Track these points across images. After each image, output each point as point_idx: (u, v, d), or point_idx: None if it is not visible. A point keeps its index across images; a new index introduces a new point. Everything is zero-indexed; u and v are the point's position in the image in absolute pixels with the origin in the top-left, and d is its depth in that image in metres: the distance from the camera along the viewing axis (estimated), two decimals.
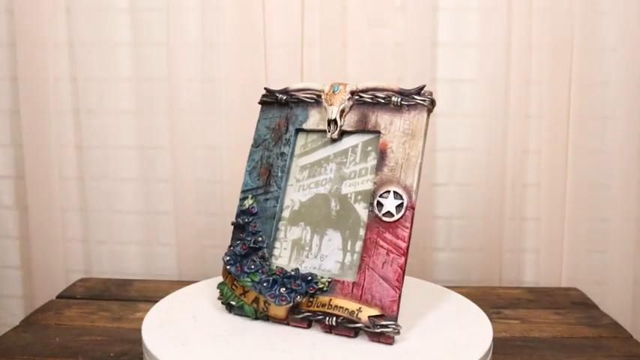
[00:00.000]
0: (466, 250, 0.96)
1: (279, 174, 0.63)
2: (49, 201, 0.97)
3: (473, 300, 0.67)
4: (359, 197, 0.60)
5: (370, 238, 0.57)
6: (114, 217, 0.99)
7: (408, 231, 0.56)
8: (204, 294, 0.67)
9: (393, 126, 0.60)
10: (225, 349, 0.54)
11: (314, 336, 0.56)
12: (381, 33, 0.91)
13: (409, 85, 0.62)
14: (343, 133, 0.62)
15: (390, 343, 0.54)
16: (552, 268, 0.95)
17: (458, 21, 0.92)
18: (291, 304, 0.57)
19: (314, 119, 0.63)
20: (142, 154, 0.98)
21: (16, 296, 1.04)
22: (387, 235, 0.56)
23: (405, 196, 0.57)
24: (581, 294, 0.88)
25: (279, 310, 0.58)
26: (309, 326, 0.58)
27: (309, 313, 0.57)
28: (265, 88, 0.67)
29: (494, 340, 0.58)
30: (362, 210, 0.60)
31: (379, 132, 0.60)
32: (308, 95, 0.64)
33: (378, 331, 0.54)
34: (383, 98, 0.60)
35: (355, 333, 0.56)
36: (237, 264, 0.61)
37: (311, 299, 0.57)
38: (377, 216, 0.57)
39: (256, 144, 0.66)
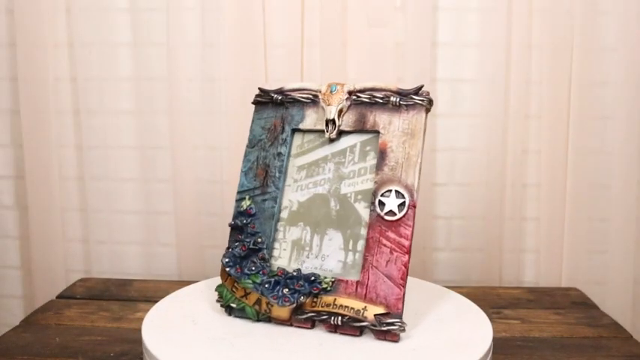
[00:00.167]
0: (466, 250, 0.96)
1: (277, 174, 0.63)
2: (49, 201, 0.97)
3: (473, 300, 0.67)
4: (359, 197, 0.61)
5: (373, 237, 0.57)
6: (114, 217, 0.99)
7: (410, 229, 0.56)
8: (204, 294, 0.67)
9: (392, 126, 0.60)
10: (229, 352, 0.53)
11: (319, 336, 0.56)
12: (381, 33, 0.91)
13: (409, 85, 0.62)
14: (341, 133, 0.62)
15: (396, 341, 0.55)
16: (552, 268, 0.95)
17: (458, 21, 0.92)
18: (294, 304, 0.57)
19: (311, 119, 0.63)
20: (142, 154, 0.98)
21: (16, 296, 1.04)
22: (390, 234, 0.57)
23: (406, 195, 0.57)
24: (581, 294, 0.88)
25: (283, 311, 0.58)
26: (312, 326, 0.58)
27: (313, 314, 0.57)
28: (259, 88, 0.66)
29: (494, 340, 0.58)
30: (362, 209, 0.60)
31: (378, 132, 0.61)
32: (304, 95, 0.64)
33: (385, 329, 0.54)
34: (381, 98, 0.61)
35: (360, 332, 0.56)
36: (237, 266, 0.60)
37: (315, 299, 0.57)
38: (379, 215, 0.58)
39: (251, 144, 0.65)
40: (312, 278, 0.58)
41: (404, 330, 0.54)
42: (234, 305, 0.60)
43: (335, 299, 0.56)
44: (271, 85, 0.67)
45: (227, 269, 0.60)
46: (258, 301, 0.59)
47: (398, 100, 0.60)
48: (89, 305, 0.82)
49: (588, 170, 0.93)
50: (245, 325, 0.59)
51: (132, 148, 0.98)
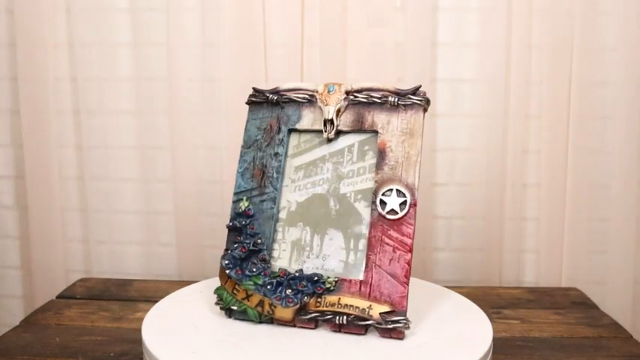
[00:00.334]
0: (466, 250, 0.96)
1: (274, 175, 0.63)
2: (49, 201, 0.97)
3: (473, 300, 0.67)
4: (359, 196, 0.61)
5: (375, 236, 0.58)
6: (114, 217, 0.99)
7: (412, 228, 0.57)
8: (204, 294, 0.67)
9: (390, 125, 0.60)
10: (236, 354, 0.53)
11: (323, 336, 0.56)
12: (381, 33, 0.91)
13: (410, 85, 0.62)
14: (339, 133, 0.63)
15: (401, 338, 0.55)
16: (552, 268, 0.95)
17: (458, 21, 0.92)
18: (298, 305, 0.57)
19: (308, 119, 0.63)
20: (142, 154, 0.98)
21: (16, 296, 1.04)
22: (392, 233, 0.57)
23: (407, 194, 0.58)
24: (581, 294, 0.88)
25: (286, 312, 0.58)
26: (315, 327, 0.58)
27: (317, 314, 0.57)
28: (254, 88, 0.66)
29: (494, 340, 0.58)
30: (363, 209, 0.60)
31: (376, 131, 0.61)
32: (300, 95, 0.64)
33: (391, 326, 0.55)
34: (378, 98, 0.61)
35: (365, 330, 0.56)
36: (237, 267, 0.60)
37: (318, 299, 0.57)
38: (380, 214, 0.58)
39: (247, 145, 0.65)
40: (315, 278, 0.58)
41: (408, 327, 0.55)
42: (235, 307, 0.59)
43: (339, 299, 0.57)
44: (271, 85, 0.67)
45: (227, 271, 0.59)
46: (261, 303, 0.58)
47: (396, 100, 0.60)
48: (89, 305, 0.82)
49: (588, 170, 0.93)
50: (246, 326, 0.58)
51: (132, 148, 0.98)
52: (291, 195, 0.63)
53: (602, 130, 0.93)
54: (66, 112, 0.98)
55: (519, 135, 0.92)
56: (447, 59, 0.93)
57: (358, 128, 0.62)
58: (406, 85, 0.62)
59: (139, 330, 0.58)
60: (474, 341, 0.56)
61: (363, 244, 0.59)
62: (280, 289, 0.58)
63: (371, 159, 0.61)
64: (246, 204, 0.63)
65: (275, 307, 0.58)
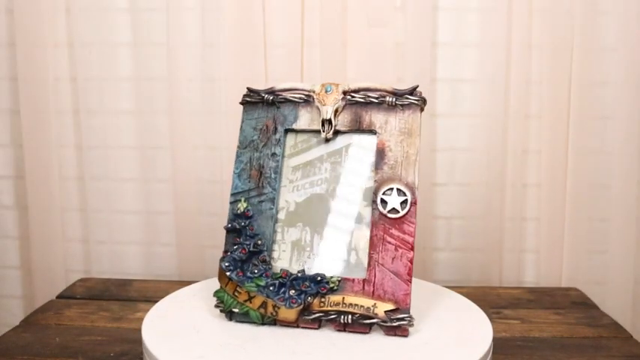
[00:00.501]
0: (466, 250, 0.96)
1: (272, 175, 0.63)
2: (49, 201, 0.97)
3: (473, 300, 0.67)
4: (359, 195, 0.61)
5: (376, 235, 0.58)
6: (114, 217, 0.99)
7: (413, 226, 0.58)
8: (204, 294, 0.67)
9: (388, 125, 0.61)
10: (241, 357, 0.52)
11: (328, 336, 0.56)
12: (381, 33, 0.91)
13: (410, 85, 0.63)
14: (336, 133, 0.63)
15: (406, 336, 0.56)
16: (552, 268, 0.95)
17: (458, 21, 0.92)
18: (302, 306, 0.57)
19: (304, 119, 0.63)
20: (142, 154, 0.98)
21: (16, 296, 1.04)
22: (394, 231, 0.58)
23: (408, 193, 0.59)
24: (581, 294, 0.88)
25: (290, 313, 0.57)
26: (319, 327, 0.58)
27: (321, 314, 0.57)
28: (248, 88, 0.66)
29: (494, 340, 0.58)
30: (363, 208, 0.61)
31: (373, 131, 0.61)
32: (297, 95, 0.64)
33: (396, 324, 0.56)
34: (376, 98, 0.62)
35: (369, 329, 0.57)
36: (238, 269, 0.59)
37: (322, 299, 0.57)
38: (382, 213, 0.59)
39: (243, 145, 0.64)
40: (319, 278, 0.58)
41: (413, 325, 0.56)
42: (236, 310, 0.59)
43: (343, 298, 0.57)
44: (271, 85, 0.67)
45: (227, 273, 0.59)
46: (264, 305, 0.58)
47: (394, 100, 0.61)
48: (89, 305, 0.82)
49: (588, 170, 0.93)
50: (249, 328, 0.58)
51: (132, 148, 0.98)
52: (290, 195, 0.63)
53: (602, 130, 0.93)
54: (66, 112, 0.98)
55: (519, 135, 0.92)
56: (447, 59, 0.93)
57: (356, 128, 0.62)
58: (406, 85, 0.62)
59: (139, 330, 0.58)
60: (474, 341, 0.56)
61: (364, 243, 0.60)
62: (283, 290, 0.58)
63: (369, 158, 0.61)
64: (245, 205, 0.62)
65: (278, 308, 0.58)
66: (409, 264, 0.57)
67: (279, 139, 0.63)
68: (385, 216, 0.59)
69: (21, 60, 0.94)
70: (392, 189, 0.59)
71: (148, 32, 0.94)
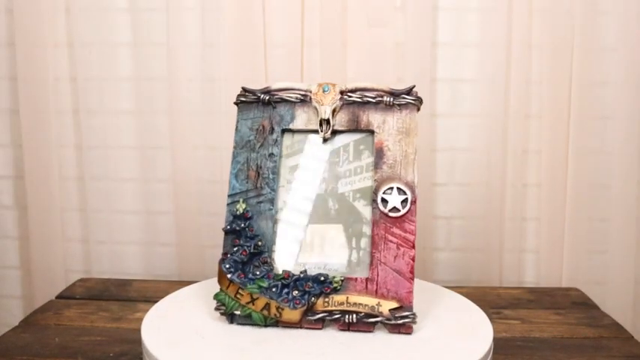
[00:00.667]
0: (466, 250, 0.96)
1: (270, 175, 0.62)
2: (49, 201, 0.97)
3: (473, 300, 0.67)
4: (357, 195, 0.61)
5: (378, 233, 0.59)
6: (114, 217, 0.99)
7: (414, 224, 0.59)
8: (204, 294, 0.67)
9: (386, 125, 0.62)
10: (241, 357, 0.52)
11: (334, 335, 0.57)
12: (381, 33, 0.91)
13: (410, 84, 0.63)
14: (334, 133, 0.63)
15: (410, 333, 0.57)
16: (552, 268, 0.95)
17: (458, 21, 0.92)
18: (306, 306, 0.57)
19: (302, 119, 0.63)
20: (142, 154, 0.98)
21: (16, 296, 1.04)
22: (395, 230, 0.58)
23: (408, 192, 0.59)
24: (581, 294, 0.88)
25: (293, 314, 0.57)
26: (322, 327, 0.58)
27: (325, 314, 0.57)
28: (243, 88, 0.65)
29: (495, 340, 0.57)
30: (362, 207, 0.61)
31: (370, 131, 0.62)
32: (293, 95, 0.64)
33: (400, 322, 0.56)
34: (373, 98, 0.62)
35: (373, 327, 0.57)
36: (239, 271, 0.59)
37: (326, 299, 0.57)
38: (382, 212, 0.59)
39: (239, 146, 0.64)
40: (322, 278, 0.58)
41: (416, 322, 0.56)
42: (238, 312, 0.58)
43: (347, 297, 0.57)
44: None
45: (229, 276, 0.58)
46: (267, 306, 0.58)
47: (391, 100, 0.62)
48: (89, 305, 0.81)
49: (588, 170, 0.93)
50: (251, 330, 0.58)
51: (132, 148, 0.98)
52: (288, 195, 0.63)
53: (602, 130, 0.93)
54: (66, 112, 0.97)
55: (519, 135, 0.92)
56: (447, 59, 0.93)
57: (354, 128, 0.62)
58: (406, 85, 0.62)
59: (139, 330, 0.58)
60: (474, 341, 0.56)
61: (365, 242, 0.60)
62: (286, 291, 0.58)
63: (367, 158, 0.62)
64: (244, 206, 0.62)
65: (282, 309, 0.57)
66: (411, 262, 0.58)
67: (277, 139, 0.63)
68: (386, 215, 0.59)
69: (21, 60, 0.94)
70: (392, 188, 0.59)
71: (148, 32, 0.94)
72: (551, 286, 0.93)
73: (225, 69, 0.93)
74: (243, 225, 0.61)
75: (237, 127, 0.65)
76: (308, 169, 0.63)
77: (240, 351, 0.53)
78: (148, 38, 0.94)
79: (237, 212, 0.61)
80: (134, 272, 1.00)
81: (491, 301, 0.84)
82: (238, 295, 0.59)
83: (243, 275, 0.59)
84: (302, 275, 0.59)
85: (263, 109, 0.64)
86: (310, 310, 0.57)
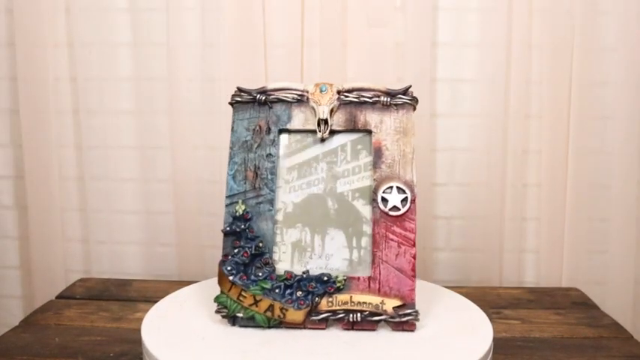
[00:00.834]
0: (466, 250, 0.96)
1: (269, 176, 0.62)
2: (49, 201, 0.97)
3: (473, 300, 0.67)
4: (357, 194, 0.62)
5: (379, 232, 0.59)
6: (114, 217, 0.99)
7: (414, 223, 0.59)
8: (204, 294, 0.67)
9: (383, 125, 0.62)
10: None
11: (339, 335, 0.57)
12: (381, 33, 0.91)
13: (410, 84, 0.63)
14: (331, 133, 0.63)
15: (413, 330, 0.57)
16: (552, 268, 0.95)
17: (458, 21, 0.92)
18: (310, 306, 0.57)
19: (299, 119, 0.63)
20: (142, 154, 0.97)
21: (16, 296, 1.04)
22: (396, 229, 0.59)
23: (407, 191, 0.60)
24: (581, 294, 0.88)
25: (298, 315, 0.57)
26: (326, 327, 0.58)
27: (329, 313, 0.57)
28: (238, 88, 0.65)
29: (495, 340, 0.58)
30: (362, 207, 0.61)
31: (368, 130, 0.62)
32: (289, 95, 0.64)
33: (404, 319, 0.57)
34: (369, 98, 0.62)
35: (377, 325, 0.58)
36: (241, 273, 0.59)
37: (330, 299, 0.58)
38: (383, 211, 0.60)
39: (236, 146, 0.63)
40: (325, 278, 0.58)
41: (418, 319, 0.57)
42: (240, 315, 0.58)
43: (351, 297, 0.58)
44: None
45: (230, 278, 0.58)
46: (271, 308, 0.58)
47: (388, 100, 0.62)
48: (89, 305, 0.81)
49: (588, 170, 0.93)
50: (258, 333, 0.57)
51: (132, 148, 0.98)
52: (287, 196, 0.63)
53: (602, 130, 0.92)
54: (66, 112, 0.97)
55: (519, 135, 0.92)
56: (447, 59, 0.93)
57: (351, 128, 0.63)
58: (407, 85, 0.63)
59: (139, 330, 0.58)
60: (474, 341, 0.56)
61: (365, 241, 0.60)
62: (289, 291, 0.58)
63: (365, 158, 0.62)
64: (244, 207, 0.61)
65: (286, 310, 0.57)
66: (412, 260, 0.58)
67: (274, 140, 0.63)
68: (386, 214, 0.59)
69: (21, 60, 0.94)
70: (391, 187, 0.60)
71: (148, 32, 0.94)
72: (551, 286, 0.93)
73: (225, 69, 0.93)
74: (243, 226, 0.60)
75: (233, 127, 0.64)
76: (306, 170, 0.63)
77: (244, 352, 0.53)
78: (148, 38, 0.94)
79: (237, 213, 0.61)
80: (134, 272, 1.00)
81: (491, 301, 0.84)
82: (241, 298, 0.58)
83: (245, 277, 0.59)
84: (305, 275, 0.59)
85: (259, 109, 0.64)
86: (314, 310, 0.58)
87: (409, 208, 0.59)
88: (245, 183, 0.62)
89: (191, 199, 0.96)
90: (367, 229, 0.61)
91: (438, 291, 0.70)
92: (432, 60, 0.92)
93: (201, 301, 0.65)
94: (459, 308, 0.65)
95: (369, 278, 0.58)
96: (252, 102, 0.64)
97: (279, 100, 0.64)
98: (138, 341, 0.58)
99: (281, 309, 0.57)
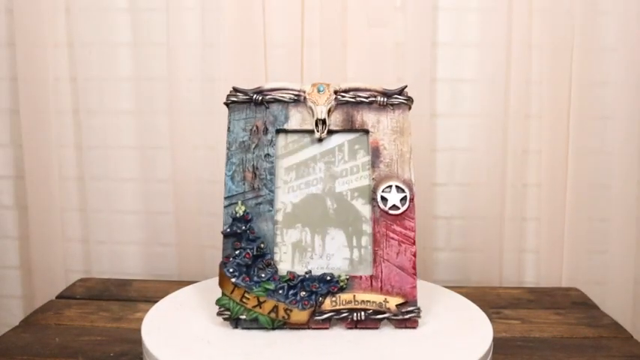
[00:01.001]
0: (466, 250, 0.96)
1: (268, 176, 0.62)
2: (49, 201, 0.97)
3: (473, 300, 0.67)
4: (356, 194, 0.62)
5: (379, 231, 0.60)
6: (114, 217, 0.99)
7: (414, 221, 0.60)
8: (204, 294, 0.67)
9: (380, 124, 0.63)
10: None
11: (343, 334, 0.57)
12: (381, 33, 0.91)
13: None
14: (329, 133, 0.63)
15: (415, 327, 0.58)
16: (552, 268, 0.95)
17: (458, 21, 0.92)
18: (314, 306, 0.57)
19: (296, 119, 0.63)
20: (142, 154, 0.97)
21: (16, 296, 1.04)
22: (396, 227, 0.60)
23: (406, 190, 0.60)
24: (581, 294, 0.88)
25: (302, 315, 0.57)
26: (329, 326, 0.58)
27: (332, 313, 0.58)
28: (234, 88, 0.65)
29: (495, 340, 0.58)
30: (361, 206, 0.61)
31: (364, 130, 0.63)
32: (286, 95, 0.64)
33: (407, 317, 0.58)
34: (366, 98, 0.63)
35: (379, 324, 0.58)
36: (244, 275, 0.58)
37: (333, 299, 0.58)
38: (383, 210, 0.60)
39: (233, 146, 0.63)
40: (328, 278, 0.58)
41: (420, 316, 0.58)
42: (243, 317, 0.58)
43: (354, 295, 0.58)
44: None
45: (233, 280, 0.58)
46: (275, 309, 0.58)
47: (385, 100, 0.63)
48: (89, 305, 0.81)
49: (588, 170, 0.93)
50: (262, 335, 0.57)
51: (132, 148, 0.98)
52: (286, 196, 0.63)
53: (602, 130, 0.92)
54: (66, 112, 0.97)
55: (519, 135, 0.92)
56: (447, 59, 0.93)
57: (349, 127, 0.63)
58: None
59: (139, 330, 0.58)
60: (474, 341, 0.56)
61: (365, 240, 0.61)
62: (293, 292, 0.58)
63: (362, 157, 0.63)
64: (244, 208, 0.61)
65: (291, 311, 0.57)
66: (413, 258, 0.59)
67: (272, 140, 0.63)
68: (386, 213, 0.60)
69: (21, 60, 0.94)
70: (390, 186, 0.61)
71: (148, 32, 0.94)
72: (551, 286, 0.93)
73: (225, 69, 0.93)
74: (244, 227, 0.60)
75: (229, 127, 0.63)
76: (304, 170, 0.63)
77: (247, 355, 0.53)
78: (148, 38, 0.94)
79: (237, 214, 0.60)
80: (134, 272, 1.00)
81: (491, 301, 0.84)
82: (244, 300, 0.58)
83: (248, 278, 0.58)
84: (307, 276, 0.59)
85: (255, 110, 0.64)
86: (317, 310, 0.58)
87: (408, 206, 0.60)
88: (244, 184, 0.62)
89: (191, 199, 0.96)
90: (367, 228, 0.61)
91: (437, 291, 0.70)
92: (432, 60, 0.92)
93: (202, 301, 0.65)
94: (459, 308, 0.65)
95: (371, 277, 0.59)
96: (249, 102, 0.64)
97: (276, 100, 0.64)
98: (138, 341, 0.58)
99: (285, 310, 0.57)
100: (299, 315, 0.57)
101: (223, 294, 0.58)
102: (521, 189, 0.94)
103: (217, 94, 0.94)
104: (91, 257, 1.00)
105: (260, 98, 0.64)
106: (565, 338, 0.72)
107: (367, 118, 0.63)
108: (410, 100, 0.64)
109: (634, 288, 0.93)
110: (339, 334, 0.57)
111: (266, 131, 0.63)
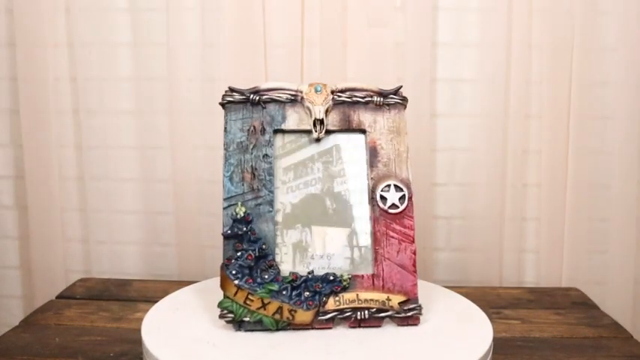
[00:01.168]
0: (466, 250, 0.96)
1: (267, 177, 0.62)
2: (49, 201, 0.97)
3: (473, 300, 0.67)
4: (354, 193, 0.62)
5: (379, 230, 0.60)
6: (114, 217, 0.99)
7: (413, 220, 0.61)
8: (204, 294, 0.67)
9: (377, 124, 0.63)
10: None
11: (347, 333, 0.57)
12: (381, 33, 0.91)
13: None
14: (326, 132, 0.63)
15: (417, 324, 0.59)
16: (552, 268, 0.95)
17: (458, 21, 0.92)
18: (318, 306, 0.57)
19: (293, 119, 0.63)
20: (142, 154, 0.98)
21: (16, 296, 1.04)
22: (396, 226, 0.60)
23: (405, 188, 0.61)
24: (581, 294, 0.88)
25: (306, 316, 0.57)
26: (332, 326, 0.58)
27: (336, 313, 0.58)
28: (230, 87, 0.64)
29: (495, 340, 0.58)
30: (360, 205, 0.62)
31: (361, 130, 0.63)
32: (282, 95, 0.64)
33: (409, 314, 0.58)
34: (362, 98, 0.63)
35: (382, 322, 0.59)
36: (247, 276, 0.58)
37: (336, 298, 0.58)
38: (382, 209, 0.61)
39: (231, 147, 0.62)
40: (331, 278, 0.58)
41: (422, 313, 0.59)
42: (247, 319, 0.57)
43: (357, 294, 0.58)
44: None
45: (236, 282, 0.57)
46: (279, 310, 0.57)
47: (381, 100, 0.63)
48: (89, 305, 0.81)
49: (588, 170, 0.93)
50: (266, 336, 0.57)
51: (132, 148, 0.98)
52: (285, 197, 0.62)
53: (602, 130, 0.93)
54: (66, 112, 0.97)
55: (519, 135, 0.92)
56: (447, 59, 0.93)
57: (346, 127, 0.63)
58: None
59: (139, 330, 0.58)
60: (474, 341, 0.56)
61: (365, 239, 0.61)
62: (297, 292, 0.58)
63: (360, 157, 0.63)
64: (244, 209, 0.60)
65: (295, 311, 0.57)
66: (413, 256, 0.60)
67: (270, 140, 0.63)
68: (386, 212, 0.61)
69: (21, 60, 0.94)
70: (389, 185, 0.61)
71: (148, 32, 0.94)
72: (551, 286, 0.93)
73: (225, 69, 0.93)
74: (245, 229, 0.59)
75: (226, 128, 0.62)
76: (302, 170, 0.63)
77: (252, 357, 0.53)
78: (148, 38, 0.94)
79: (238, 216, 0.59)
80: (134, 272, 1.00)
81: (491, 301, 0.84)
82: (248, 302, 0.57)
83: (251, 280, 0.58)
84: (310, 276, 0.59)
85: (252, 110, 0.63)
86: (321, 310, 0.58)
87: (407, 205, 0.61)
88: (242, 185, 0.61)
89: (191, 199, 0.96)
90: (367, 227, 0.61)
91: (438, 291, 0.70)
92: (432, 60, 0.92)
93: (202, 301, 0.65)
94: (459, 308, 0.65)
95: (373, 276, 0.59)
96: (245, 102, 0.63)
97: (273, 100, 0.63)
98: (138, 341, 0.58)
99: (290, 310, 0.57)
100: (303, 315, 0.57)
101: (225, 296, 0.58)
102: (521, 189, 0.94)
103: (217, 94, 0.93)
104: (91, 257, 1.00)
105: (257, 98, 0.63)
106: (565, 338, 0.72)
107: (364, 118, 0.63)
108: (405, 100, 0.64)
109: (634, 288, 0.93)
110: (342, 333, 0.57)
111: (263, 131, 0.63)
